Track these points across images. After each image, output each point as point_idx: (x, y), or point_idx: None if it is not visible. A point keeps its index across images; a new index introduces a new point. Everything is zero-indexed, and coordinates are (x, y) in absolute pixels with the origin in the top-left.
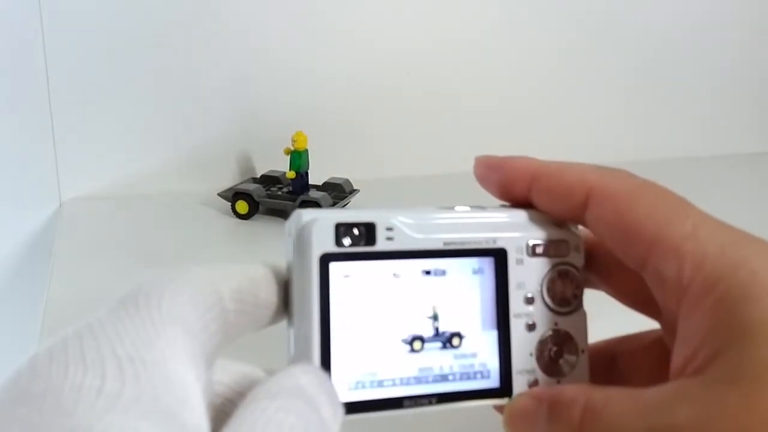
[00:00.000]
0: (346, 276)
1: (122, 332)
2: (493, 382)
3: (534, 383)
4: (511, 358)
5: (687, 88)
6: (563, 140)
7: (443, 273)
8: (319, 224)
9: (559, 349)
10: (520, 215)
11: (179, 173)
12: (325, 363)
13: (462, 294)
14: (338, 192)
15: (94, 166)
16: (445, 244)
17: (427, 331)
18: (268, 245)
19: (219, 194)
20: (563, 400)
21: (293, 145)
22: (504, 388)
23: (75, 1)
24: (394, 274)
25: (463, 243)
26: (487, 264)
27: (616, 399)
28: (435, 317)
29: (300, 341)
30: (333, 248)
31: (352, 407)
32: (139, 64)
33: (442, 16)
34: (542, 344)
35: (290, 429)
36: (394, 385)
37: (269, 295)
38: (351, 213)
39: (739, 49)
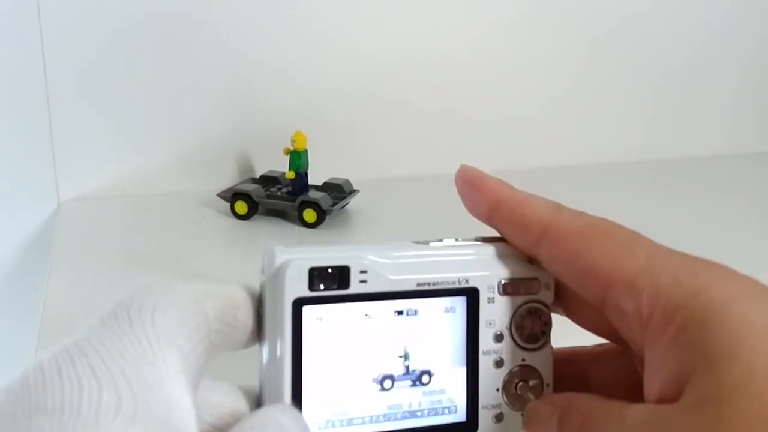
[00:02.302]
0: (319, 318)
1: (122, 350)
2: (460, 416)
3: (500, 416)
4: (479, 393)
5: (688, 88)
6: (564, 141)
7: (415, 313)
8: (293, 269)
9: (525, 384)
10: (493, 251)
11: (178, 173)
12: (296, 403)
13: (433, 332)
14: (338, 192)
15: (93, 166)
16: (417, 285)
17: (398, 370)
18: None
19: (218, 195)
20: (572, 409)
21: (293, 145)
22: (470, 423)
23: (74, 2)
24: (366, 315)
25: (435, 283)
26: (459, 302)
27: (609, 414)
28: (406, 356)
29: (272, 379)
30: (306, 293)
31: None
32: (138, 65)
33: (442, 18)
34: (509, 380)
35: None
36: (363, 423)
37: (247, 318)
38: (325, 255)
39: (741, 51)
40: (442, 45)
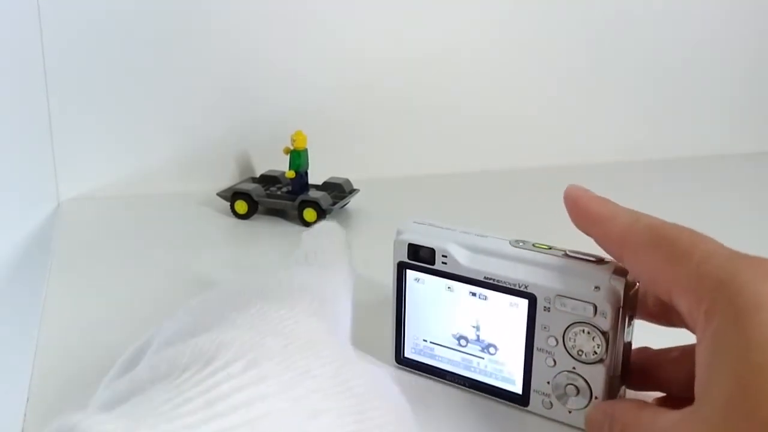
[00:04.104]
0: (417, 279)
1: (308, 274)
2: (518, 389)
3: (549, 404)
4: (531, 378)
5: (688, 88)
6: (564, 141)
7: (485, 298)
8: (398, 241)
9: (574, 387)
10: (568, 268)
11: (178, 173)
12: (399, 330)
13: (499, 317)
14: (338, 192)
15: (93, 165)
16: (485, 277)
17: (471, 335)
18: (267, 245)
19: (218, 194)
20: (615, 417)
21: (292, 144)
22: (524, 398)
23: (74, 2)
24: (449, 288)
25: (499, 281)
26: (522, 302)
27: (641, 423)
28: (477, 327)
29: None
30: (406, 259)
31: (412, 364)
32: (138, 64)
33: (442, 18)
34: (558, 378)
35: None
36: (442, 360)
37: None
38: (427, 235)
39: (742, 50)
40: (443, 44)
